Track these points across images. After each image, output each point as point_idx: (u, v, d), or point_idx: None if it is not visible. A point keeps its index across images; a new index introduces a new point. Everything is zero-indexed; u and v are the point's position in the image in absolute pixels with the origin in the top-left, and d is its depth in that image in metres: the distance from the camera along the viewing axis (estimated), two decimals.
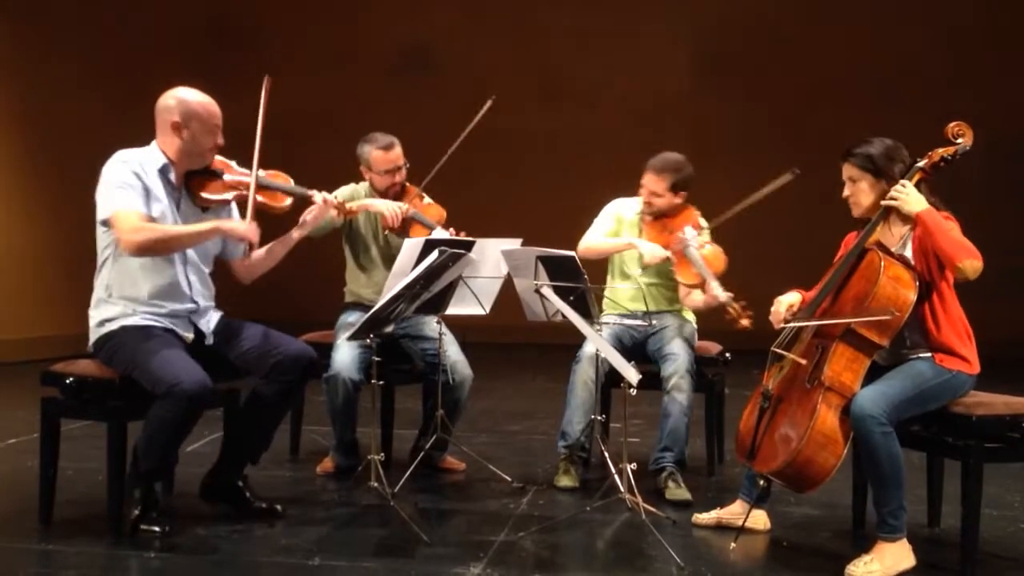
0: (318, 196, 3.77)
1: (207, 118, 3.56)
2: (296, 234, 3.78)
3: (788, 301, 3.51)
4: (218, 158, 3.67)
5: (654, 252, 4.17)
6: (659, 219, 4.30)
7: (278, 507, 3.67)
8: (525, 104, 9.87)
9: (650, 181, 4.25)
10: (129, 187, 3.41)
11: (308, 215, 3.77)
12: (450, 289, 3.95)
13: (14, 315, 8.02)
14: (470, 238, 4.09)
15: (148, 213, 3.42)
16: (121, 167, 3.45)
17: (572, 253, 3.70)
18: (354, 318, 4.15)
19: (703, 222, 4.26)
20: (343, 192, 4.40)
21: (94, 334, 3.52)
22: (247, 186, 3.62)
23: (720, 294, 3.94)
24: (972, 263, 3.14)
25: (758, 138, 9.56)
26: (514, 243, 4.05)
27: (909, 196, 3.26)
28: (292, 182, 3.77)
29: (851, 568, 3.15)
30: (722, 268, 4.09)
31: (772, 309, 3.53)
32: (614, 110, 9.74)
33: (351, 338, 3.76)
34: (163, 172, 3.52)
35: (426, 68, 10.09)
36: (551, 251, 3.69)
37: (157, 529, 3.37)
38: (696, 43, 9.98)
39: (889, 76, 9.52)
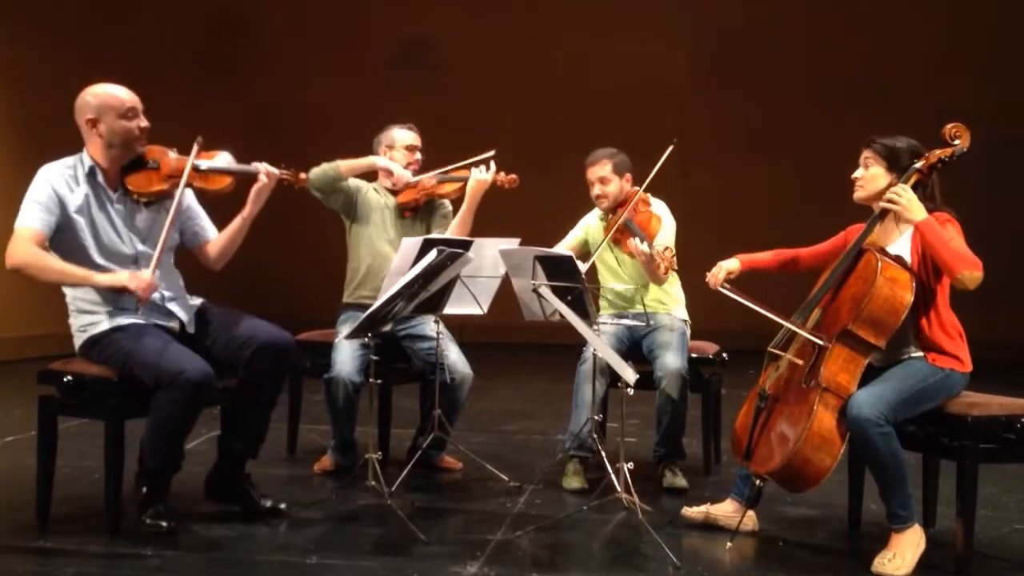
0: (260, 168, 3.64)
1: (119, 105, 3.50)
2: (247, 213, 3.67)
3: (727, 267, 3.69)
4: (155, 147, 3.58)
5: None
6: (613, 212, 4.40)
7: (282, 506, 3.67)
8: (524, 102, 9.87)
9: (593, 172, 4.44)
10: (38, 205, 3.39)
11: (253, 191, 3.64)
12: (448, 289, 3.95)
13: (12, 313, 8.01)
14: (469, 237, 4.12)
15: (47, 233, 3.39)
16: (41, 183, 3.44)
17: (570, 253, 3.71)
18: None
19: (651, 198, 4.41)
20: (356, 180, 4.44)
21: (78, 339, 3.52)
22: (184, 172, 3.52)
23: (643, 247, 4.08)
24: (972, 274, 3.15)
25: (757, 137, 9.56)
26: (512, 243, 4.05)
27: (911, 204, 3.24)
28: (232, 160, 3.67)
29: (878, 567, 3.17)
30: (654, 229, 4.24)
31: (711, 272, 3.68)
32: (613, 109, 9.73)
33: (349, 336, 3.76)
34: (91, 176, 3.50)
35: (427, 65, 10.09)
36: (549, 251, 3.70)
37: (164, 524, 3.37)
38: (695, 42, 9.97)
39: (887, 75, 9.52)
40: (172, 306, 3.57)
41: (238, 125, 8.39)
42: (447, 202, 4.59)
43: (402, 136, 4.53)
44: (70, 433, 4.25)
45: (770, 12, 9.73)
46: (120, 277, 3.40)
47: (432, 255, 3.51)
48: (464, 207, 4.39)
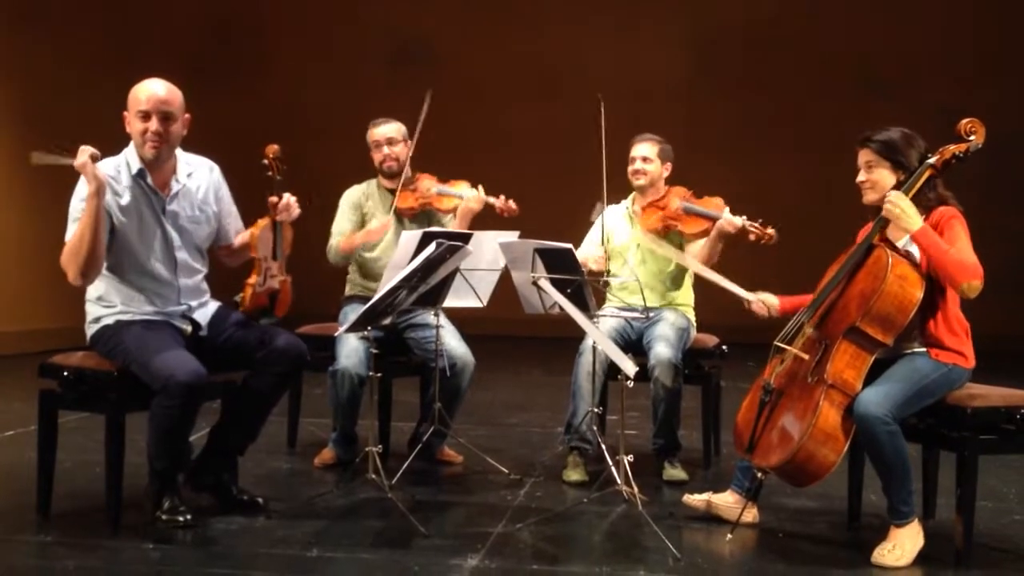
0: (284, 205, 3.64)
1: (132, 102, 3.42)
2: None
3: (772, 303, 3.70)
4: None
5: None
6: (651, 205, 4.38)
7: (260, 500, 3.66)
8: (523, 100, 9.86)
9: (640, 149, 4.48)
10: (75, 221, 3.34)
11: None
12: (447, 281, 3.95)
13: (12, 308, 8.02)
14: (469, 230, 4.12)
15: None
16: (82, 189, 3.36)
17: (569, 246, 3.71)
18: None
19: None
20: (353, 192, 4.48)
21: (90, 329, 3.52)
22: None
23: (735, 219, 4.11)
24: (971, 284, 3.14)
25: (756, 135, 9.56)
26: (512, 236, 4.05)
27: (904, 214, 3.22)
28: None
29: (878, 557, 3.19)
30: (723, 206, 4.23)
31: (758, 304, 3.70)
32: (612, 105, 9.72)
33: (349, 330, 3.76)
34: (140, 177, 3.47)
35: (425, 63, 10.08)
36: (549, 244, 3.69)
37: (181, 519, 3.37)
38: (694, 40, 9.97)
39: (887, 72, 9.51)
40: (194, 314, 3.59)
41: (237, 124, 8.36)
42: (449, 218, 4.55)
43: (369, 136, 4.51)
44: (70, 427, 4.25)
45: (769, 9, 9.73)
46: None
47: (431, 248, 3.51)
48: (455, 226, 4.40)
